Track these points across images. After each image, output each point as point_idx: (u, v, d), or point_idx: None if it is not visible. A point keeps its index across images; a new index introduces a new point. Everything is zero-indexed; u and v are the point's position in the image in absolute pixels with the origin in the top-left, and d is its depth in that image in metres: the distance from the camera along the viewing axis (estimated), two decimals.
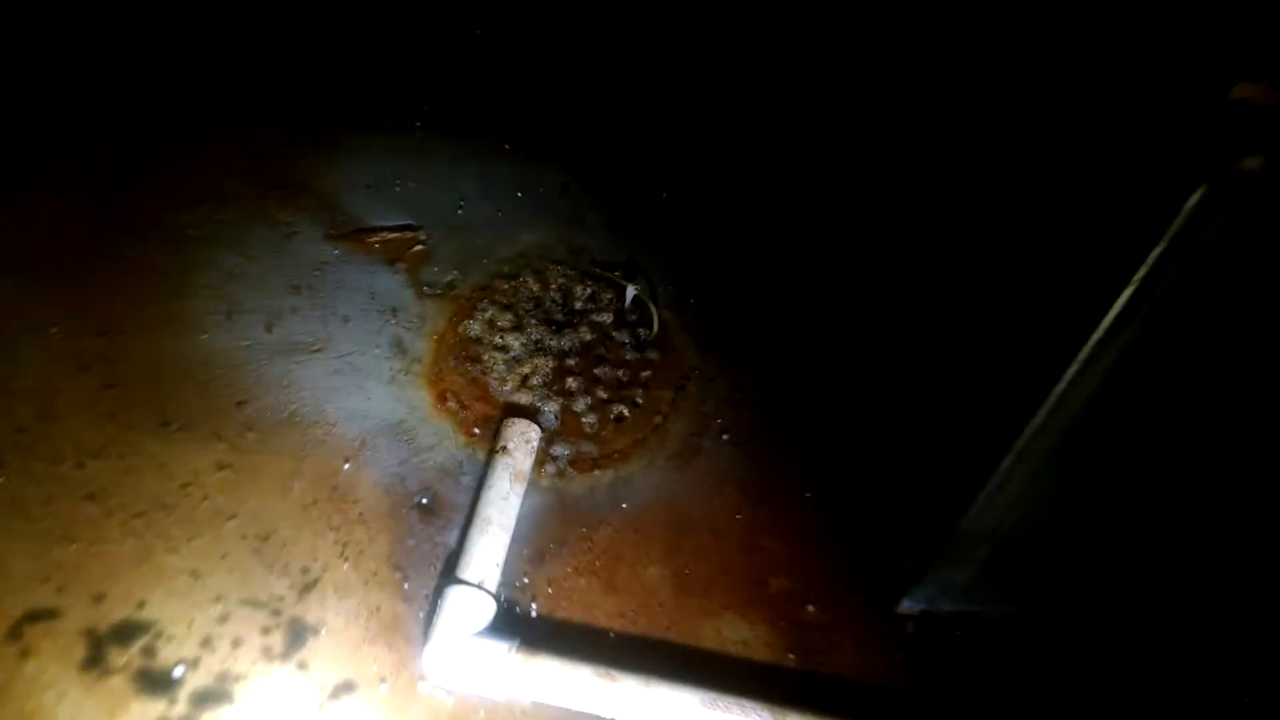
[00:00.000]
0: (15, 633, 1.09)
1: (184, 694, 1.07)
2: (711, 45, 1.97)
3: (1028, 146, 1.20)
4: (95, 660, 1.08)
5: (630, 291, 1.47)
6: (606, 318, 1.45)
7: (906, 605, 1.20)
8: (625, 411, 1.36)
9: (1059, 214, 1.01)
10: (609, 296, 1.48)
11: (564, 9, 1.96)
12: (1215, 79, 0.69)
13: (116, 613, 1.11)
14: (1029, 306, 1.03)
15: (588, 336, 1.42)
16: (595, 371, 1.39)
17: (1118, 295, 0.81)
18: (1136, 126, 0.87)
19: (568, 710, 1.08)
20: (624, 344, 1.43)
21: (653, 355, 1.43)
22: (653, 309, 1.46)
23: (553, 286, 1.48)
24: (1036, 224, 1.08)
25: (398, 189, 1.58)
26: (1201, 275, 0.76)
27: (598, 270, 1.51)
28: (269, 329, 1.38)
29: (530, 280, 1.48)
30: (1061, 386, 0.89)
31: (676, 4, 2.02)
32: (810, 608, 1.22)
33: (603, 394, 1.37)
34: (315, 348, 1.37)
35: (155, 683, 1.07)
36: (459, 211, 1.56)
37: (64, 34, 1.71)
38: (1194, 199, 0.72)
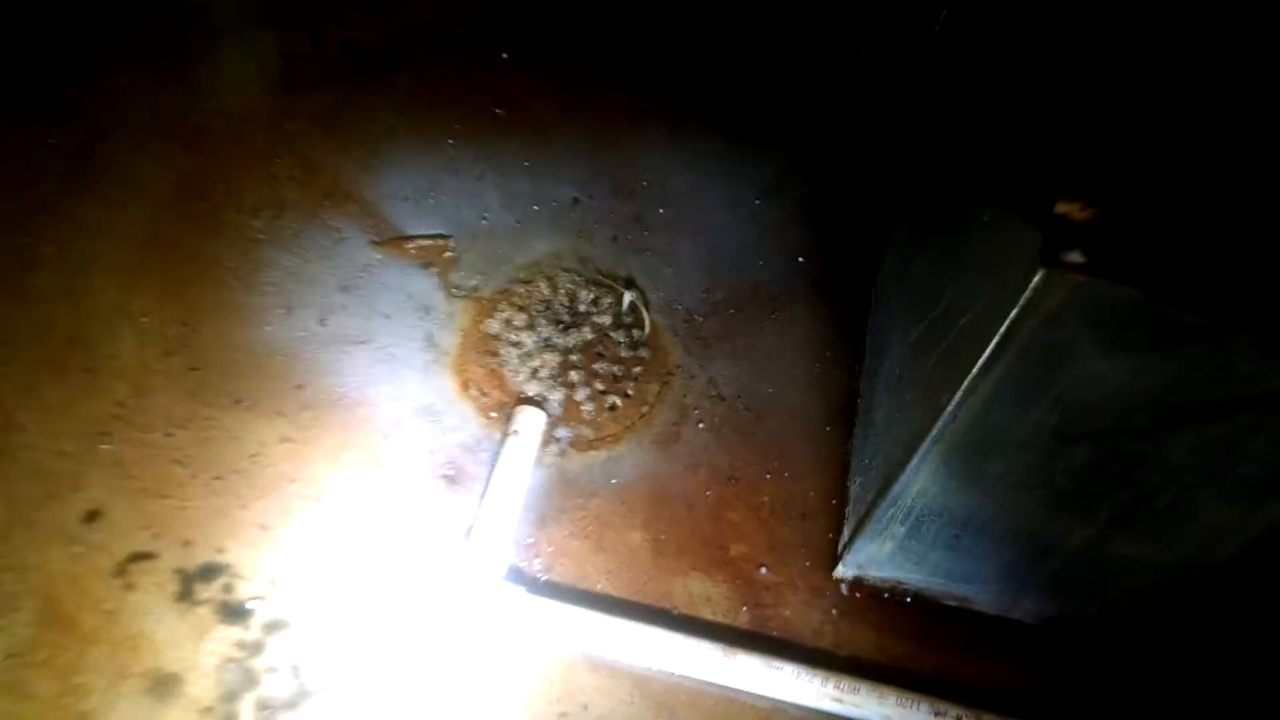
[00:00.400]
0: (121, 570, 1.37)
1: (256, 622, 1.34)
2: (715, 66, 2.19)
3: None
4: (185, 594, 1.36)
5: (627, 297, 1.72)
6: (606, 320, 1.70)
7: (840, 571, 1.46)
8: (618, 401, 1.61)
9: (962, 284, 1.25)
10: (609, 301, 1.73)
11: (585, 27, 2.18)
12: (1049, 196, 0.93)
13: (201, 556, 1.39)
14: (940, 342, 1.27)
15: (589, 336, 1.67)
16: (594, 366, 1.64)
17: (989, 342, 1.05)
18: (1007, 225, 1.11)
19: (564, 645, 1.35)
20: (620, 343, 1.68)
21: (644, 354, 1.68)
22: (645, 314, 1.71)
23: (561, 291, 1.73)
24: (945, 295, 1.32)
25: (431, 201, 1.82)
26: (1044, 331, 1.00)
27: (600, 277, 1.76)
28: (322, 322, 1.64)
29: (542, 285, 1.73)
30: (950, 406, 1.13)
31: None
32: (763, 570, 1.48)
33: (599, 386, 1.62)
34: (360, 340, 1.63)
35: (233, 613, 1.35)
36: (483, 222, 1.81)
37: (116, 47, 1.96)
38: (1037, 278, 0.95)
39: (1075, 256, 0.93)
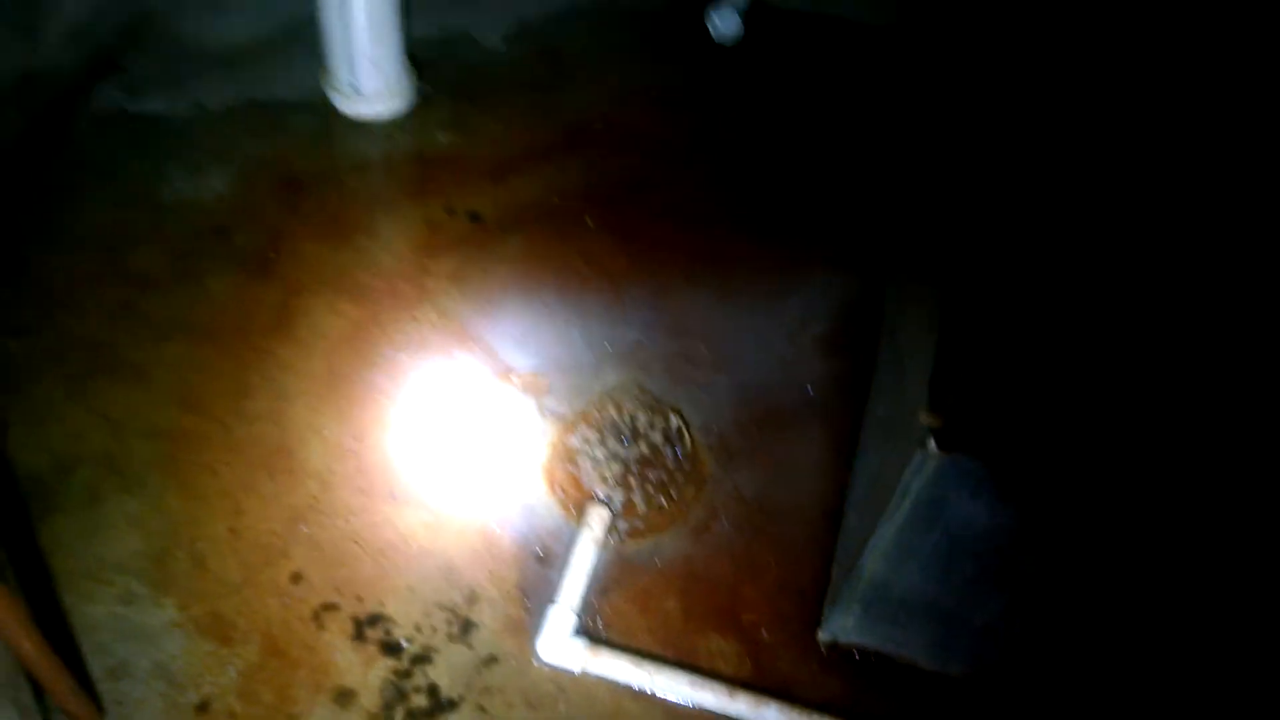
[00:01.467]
0: (315, 616, 1.98)
1: (406, 656, 1.94)
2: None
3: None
4: (358, 635, 1.96)
5: (674, 421, 2.29)
6: (658, 437, 2.28)
7: (822, 636, 1.99)
8: (664, 502, 2.18)
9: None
10: (661, 422, 2.30)
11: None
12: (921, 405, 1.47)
13: (369, 608, 1.99)
14: (880, 473, 1.81)
15: (645, 450, 2.25)
16: (647, 474, 2.22)
17: (895, 488, 1.59)
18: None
19: (616, 682, 1.91)
20: (667, 456, 2.25)
21: (685, 465, 2.25)
22: (687, 434, 2.28)
23: (625, 414, 2.31)
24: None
25: (532, 341, 2.43)
26: (926, 487, 1.53)
27: (655, 403, 2.33)
28: (452, 435, 2.25)
29: (611, 409, 2.32)
30: (878, 526, 1.67)
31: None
32: (765, 633, 2.02)
33: (650, 489, 2.20)
34: (478, 449, 2.24)
35: (391, 649, 1.95)
36: (569, 358, 2.41)
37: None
38: (919, 457, 1.50)
39: (933, 445, 1.47)
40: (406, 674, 1.91)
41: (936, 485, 1.52)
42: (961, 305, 1.65)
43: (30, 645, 1.44)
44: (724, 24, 3.26)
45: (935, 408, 1.48)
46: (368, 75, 2.78)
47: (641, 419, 2.31)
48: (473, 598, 2.01)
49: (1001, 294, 1.67)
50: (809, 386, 2.43)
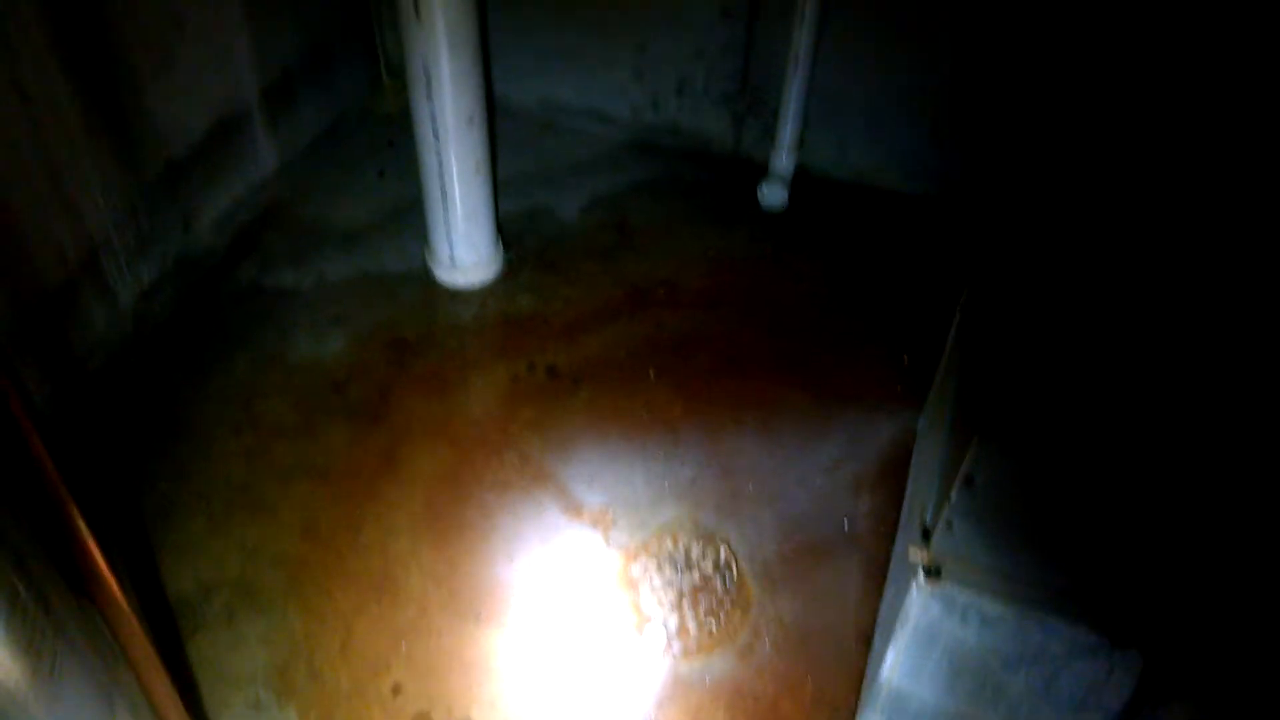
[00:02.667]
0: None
1: None
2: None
3: None
4: None
5: (723, 551, 2.61)
6: (709, 566, 2.59)
7: None
8: (714, 626, 2.48)
9: None
10: (712, 552, 2.62)
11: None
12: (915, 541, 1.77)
13: (458, 714, 2.32)
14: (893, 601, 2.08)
15: (697, 578, 2.57)
16: (699, 599, 2.53)
17: (897, 616, 1.87)
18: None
19: None
20: (717, 583, 2.56)
21: (733, 591, 2.55)
22: (735, 563, 2.59)
23: (680, 545, 2.64)
24: None
25: (600, 480, 2.79)
26: (923, 616, 1.82)
27: (708, 535, 2.66)
28: (530, 565, 2.60)
29: (668, 541, 2.65)
30: (888, 652, 1.95)
31: None
32: None
33: (701, 614, 2.50)
34: (552, 576, 2.58)
35: None
36: (632, 495, 2.76)
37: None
38: (913, 588, 1.79)
39: (922, 578, 1.76)
40: None
41: (927, 613, 1.81)
42: (954, 458, 1.96)
43: None
44: (772, 194, 3.69)
45: (926, 545, 1.78)
46: (463, 250, 3.26)
47: (695, 550, 2.63)
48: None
49: (997, 454, 1.97)
50: (846, 521, 2.73)
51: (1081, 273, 2.19)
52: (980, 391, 1.66)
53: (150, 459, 2.78)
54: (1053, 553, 1.72)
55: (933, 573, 1.77)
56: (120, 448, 2.80)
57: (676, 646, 2.44)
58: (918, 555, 1.77)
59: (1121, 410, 1.60)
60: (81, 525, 1.62)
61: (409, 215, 3.51)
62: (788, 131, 3.55)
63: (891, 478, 2.80)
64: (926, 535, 1.81)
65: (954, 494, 1.68)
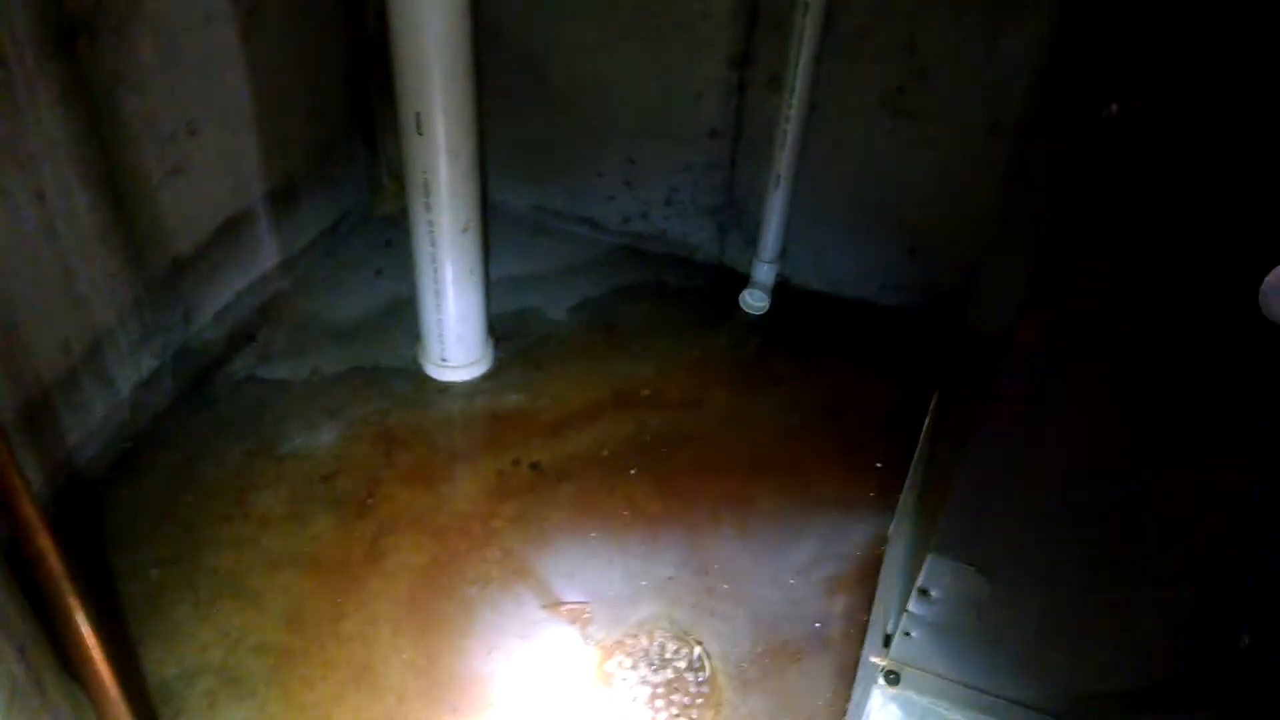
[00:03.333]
0: None
1: None
2: None
3: None
4: None
5: (696, 650, 2.67)
6: (683, 664, 2.66)
7: None
8: None
9: None
10: (686, 651, 2.69)
11: None
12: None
13: None
14: None
15: (670, 675, 2.63)
16: (672, 697, 2.58)
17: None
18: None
19: None
20: (690, 681, 2.62)
21: (705, 689, 2.61)
22: (707, 662, 2.66)
23: (656, 643, 2.70)
24: None
25: (579, 576, 2.87)
26: (881, 717, 1.89)
27: (682, 634, 2.73)
28: (507, 658, 2.66)
29: (644, 639, 2.71)
30: None
31: None
32: None
33: (675, 711, 2.56)
34: (529, 669, 2.64)
35: None
36: (609, 592, 2.84)
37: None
38: (874, 691, 1.87)
39: (882, 683, 1.85)
40: None
41: (886, 716, 1.89)
42: (913, 569, 2.06)
43: None
44: (754, 301, 3.85)
45: (885, 651, 1.87)
46: (455, 349, 3.38)
47: (670, 647, 2.70)
48: None
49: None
50: (818, 622, 2.80)
51: None
52: (934, 506, 1.77)
53: (141, 546, 2.85)
54: (1006, 664, 1.81)
55: (891, 678, 1.86)
56: (112, 534, 2.87)
57: None
58: (878, 660, 1.86)
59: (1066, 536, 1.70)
60: (79, 614, 1.70)
61: (403, 312, 3.65)
62: (769, 243, 3.72)
63: (863, 581, 2.88)
64: (887, 641, 1.90)
65: (910, 605, 1.77)
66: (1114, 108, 1.14)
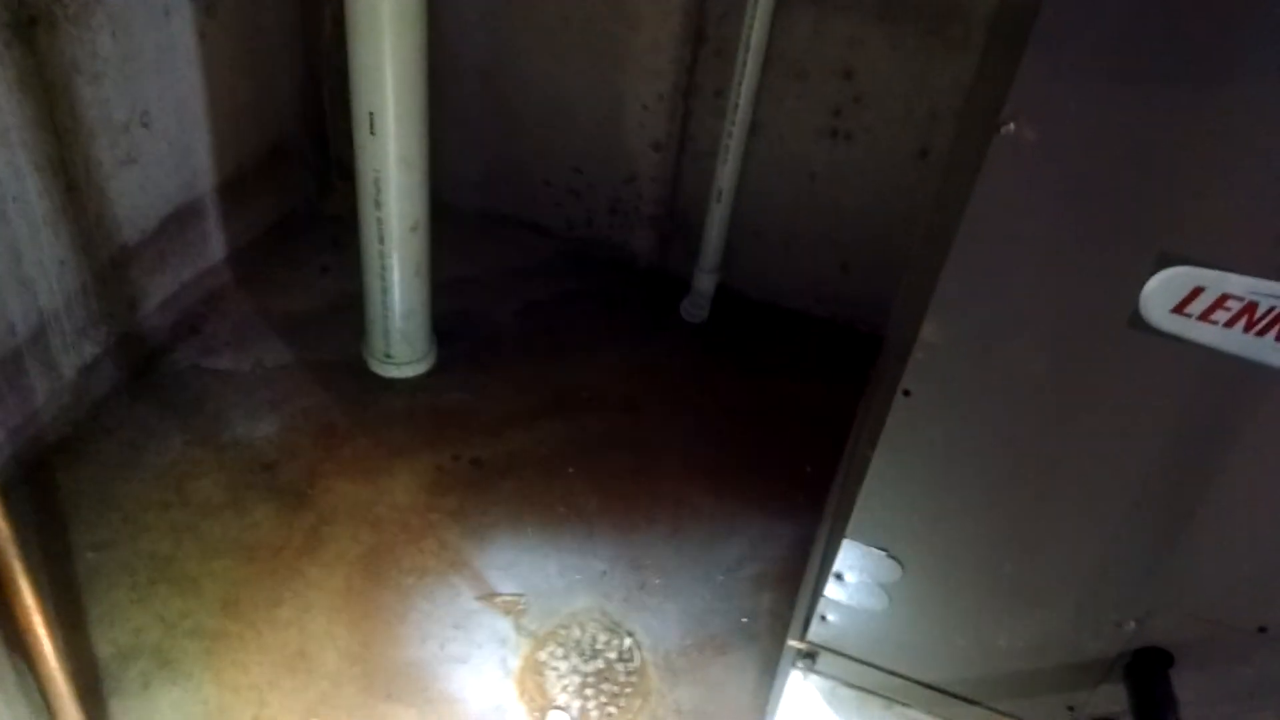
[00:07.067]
0: None
1: None
2: None
3: None
4: None
5: (627, 641, 2.77)
6: (613, 655, 2.75)
7: None
8: (614, 710, 2.62)
9: None
10: (616, 642, 2.78)
11: None
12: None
13: None
14: None
15: (601, 665, 2.72)
16: (602, 686, 2.67)
17: (770, 705, 2.06)
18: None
19: None
20: (619, 671, 2.71)
21: (635, 679, 2.70)
22: (637, 653, 2.75)
23: (587, 634, 2.79)
24: None
25: (515, 569, 2.95)
26: (793, 704, 2.01)
27: (613, 625, 2.82)
28: (441, 647, 2.73)
29: (576, 630, 2.80)
30: None
31: None
32: None
33: (604, 700, 2.64)
34: (461, 659, 2.70)
35: None
36: (544, 585, 2.92)
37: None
38: (794, 675, 1.98)
39: (799, 665, 1.96)
40: None
41: (803, 698, 2.00)
42: (831, 556, 2.18)
43: None
44: (694, 309, 3.97)
45: (803, 634, 1.98)
46: (399, 346, 3.45)
47: (600, 638, 2.79)
48: None
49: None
50: (745, 617, 2.91)
51: None
52: (851, 495, 1.89)
53: (79, 529, 2.87)
54: (915, 647, 1.93)
55: (808, 661, 1.97)
56: (51, 516, 2.88)
57: None
58: (795, 644, 1.97)
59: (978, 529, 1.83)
60: (23, 581, 1.75)
61: (349, 310, 3.70)
62: (709, 253, 3.85)
63: (789, 579, 3.00)
64: (806, 627, 2.01)
65: (826, 589, 1.89)
66: (1010, 125, 1.27)
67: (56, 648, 1.89)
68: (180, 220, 3.44)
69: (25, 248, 2.76)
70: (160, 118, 3.18)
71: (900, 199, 3.64)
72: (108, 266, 3.14)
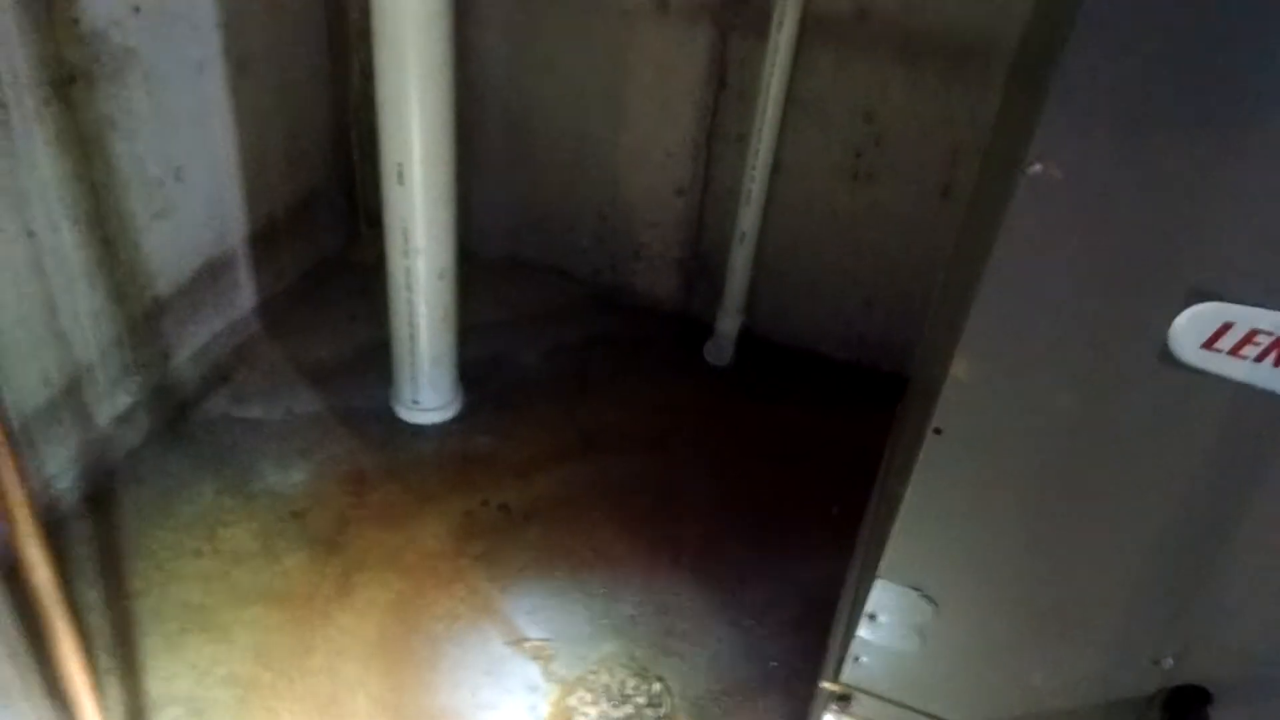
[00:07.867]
0: None
1: None
2: None
3: None
4: None
5: (656, 687, 2.75)
6: (643, 700, 2.73)
7: None
8: None
9: None
10: (646, 687, 2.76)
11: None
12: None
13: None
14: None
15: (630, 711, 2.70)
16: None
17: None
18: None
19: None
20: (648, 716, 2.69)
21: None
22: (666, 698, 2.73)
23: (617, 679, 2.78)
24: None
25: (543, 614, 2.94)
26: None
27: (643, 671, 2.80)
28: (473, 694, 2.72)
29: (605, 675, 2.79)
30: None
31: None
32: None
33: None
34: (491, 705, 2.69)
35: None
36: (573, 629, 2.91)
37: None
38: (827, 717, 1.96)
39: (833, 708, 1.94)
40: None
41: None
42: (863, 597, 2.17)
43: None
44: (718, 351, 3.98)
45: (836, 676, 1.96)
46: (427, 392, 3.48)
47: (630, 684, 2.77)
48: None
49: None
50: (775, 661, 2.89)
51: None
52: (883, 535, 1.88)
53: (111, 579, 2.89)
54: (949, 686, 1.91)
55: (842, 703, 1.95)
56: (83, 566, 2.91)
57: None
58: (829, 686, 1.96)
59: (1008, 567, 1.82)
60: (68, 637, 1.77)
61: (376, 357, 3.74)
62: (733, 296, 3.87)
63: (819, 622, 2.96)
64: (839, 668, 2.00)
65: (860, 630, 1.87)
66: (1037, 166, 1.29)
67: (95, 697, 1.90)
68: (212, 271, 3.51)
69: (61, 300, 2.82)
70: (193, 171, 3.26)
71: (922, 238, 3.65)
72: (141, 318, 3.19)
